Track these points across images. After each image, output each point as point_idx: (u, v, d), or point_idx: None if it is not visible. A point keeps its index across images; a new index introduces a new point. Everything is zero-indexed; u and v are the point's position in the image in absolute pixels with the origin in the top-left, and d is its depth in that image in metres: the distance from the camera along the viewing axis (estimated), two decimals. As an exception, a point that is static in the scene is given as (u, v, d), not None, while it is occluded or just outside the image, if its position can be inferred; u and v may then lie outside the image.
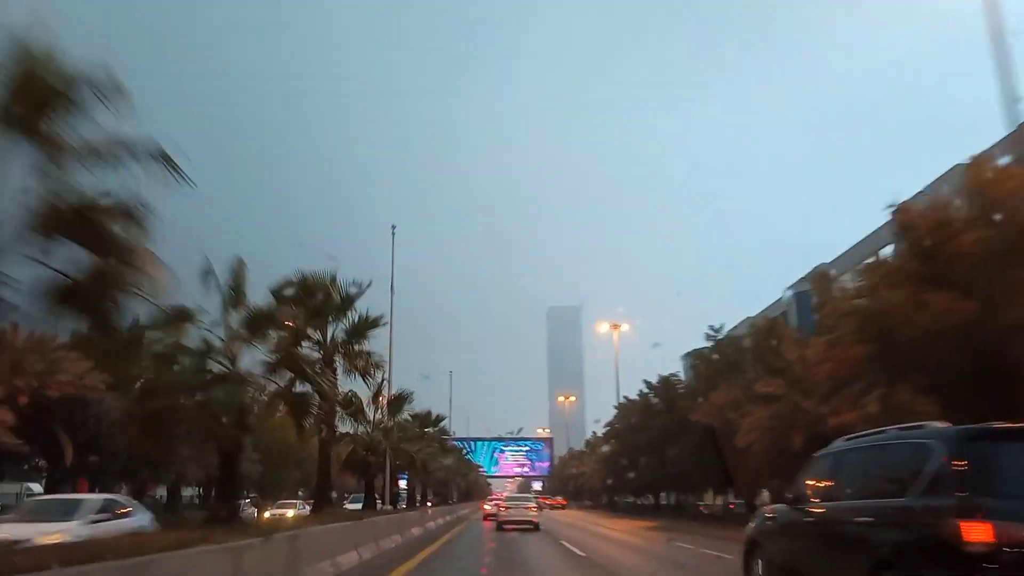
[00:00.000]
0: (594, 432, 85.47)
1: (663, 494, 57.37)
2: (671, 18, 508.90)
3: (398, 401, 33.47)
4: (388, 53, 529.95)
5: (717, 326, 33.40)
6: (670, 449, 34.35)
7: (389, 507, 30.79)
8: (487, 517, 38.77)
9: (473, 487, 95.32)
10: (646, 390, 43.82)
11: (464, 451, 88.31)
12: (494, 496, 57.55)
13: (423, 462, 33.83)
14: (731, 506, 42.23)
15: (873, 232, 31.41)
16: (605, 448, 66.49)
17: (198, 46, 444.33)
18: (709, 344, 33.53)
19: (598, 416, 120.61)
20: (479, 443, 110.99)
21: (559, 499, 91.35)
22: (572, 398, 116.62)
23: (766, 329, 27.97)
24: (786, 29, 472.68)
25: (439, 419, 45.29)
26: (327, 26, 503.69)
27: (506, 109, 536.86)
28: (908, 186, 31.25)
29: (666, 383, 40.01)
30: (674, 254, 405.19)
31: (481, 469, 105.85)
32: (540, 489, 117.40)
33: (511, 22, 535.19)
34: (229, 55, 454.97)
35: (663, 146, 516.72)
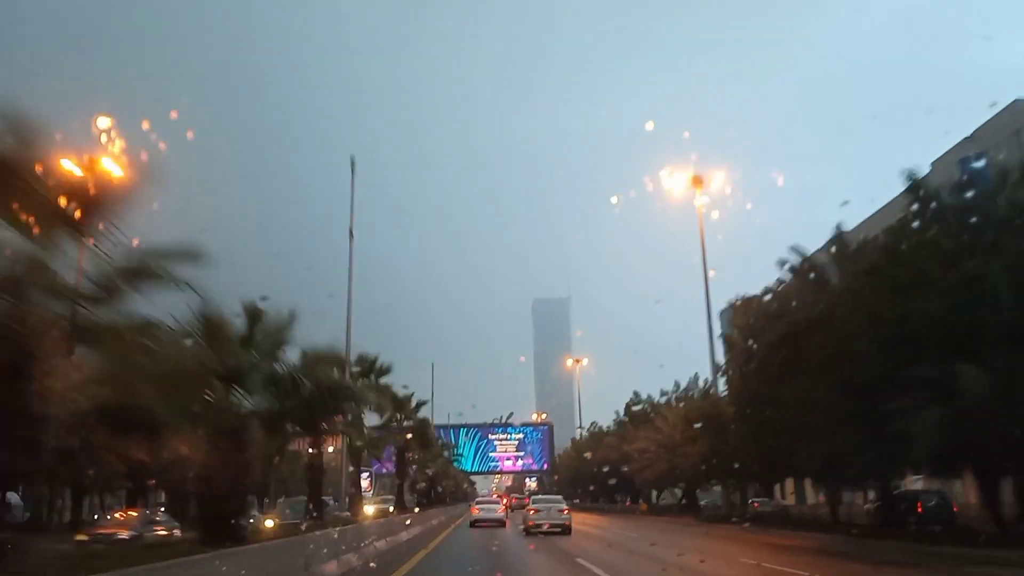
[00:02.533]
0: (635, 393, 58.99)
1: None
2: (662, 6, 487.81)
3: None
4: (353, 42, 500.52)
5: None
6: None
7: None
8: (475, 523, 35.54)
9: (440, 480, 66.46)
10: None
11: (441, 441, 62.83)
12: (483, 498, 51.14)
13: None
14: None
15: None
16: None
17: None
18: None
19: (592, 417, 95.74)
20: (462, 430, 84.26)
21: None
22: (584, 360, 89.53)
23: None
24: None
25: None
26: (302, 23, 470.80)
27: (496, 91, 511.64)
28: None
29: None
30: (659, 253, 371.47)
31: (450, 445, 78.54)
32: (535, 488, 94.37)
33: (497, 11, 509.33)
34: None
35: (656, 125, 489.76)
